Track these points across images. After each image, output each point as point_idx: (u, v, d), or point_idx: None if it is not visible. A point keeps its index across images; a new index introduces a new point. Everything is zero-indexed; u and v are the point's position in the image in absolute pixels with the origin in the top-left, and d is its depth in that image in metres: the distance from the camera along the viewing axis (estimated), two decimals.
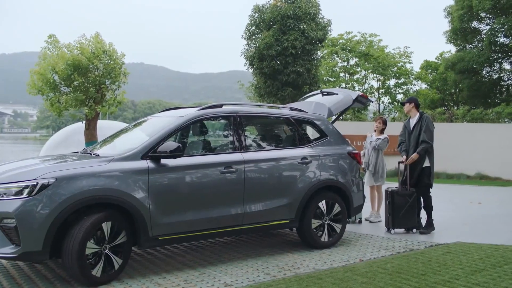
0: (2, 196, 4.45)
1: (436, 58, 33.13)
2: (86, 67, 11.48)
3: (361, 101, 7.59)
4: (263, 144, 6.54)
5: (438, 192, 12.70)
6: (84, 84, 11.63)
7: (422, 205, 7.33)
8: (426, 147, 7.12)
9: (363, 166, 8.25)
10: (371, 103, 8.38)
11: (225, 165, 5.52)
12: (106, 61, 11.87)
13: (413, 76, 30.18)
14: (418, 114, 7.38)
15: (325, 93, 7.56)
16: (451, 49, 37.56)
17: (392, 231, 7.25)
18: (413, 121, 7.41)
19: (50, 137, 20.17)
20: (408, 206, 7.14)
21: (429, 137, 7.12)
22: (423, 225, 7.38)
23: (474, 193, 12.71)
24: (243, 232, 5.93)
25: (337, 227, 6.43)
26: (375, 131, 8.39)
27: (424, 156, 7.19)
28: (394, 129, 18.00)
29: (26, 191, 4.41)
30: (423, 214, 7.41)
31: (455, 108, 30.93)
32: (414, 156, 7.14)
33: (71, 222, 4.55)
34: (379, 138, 8.18)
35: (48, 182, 4.45)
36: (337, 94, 7.46)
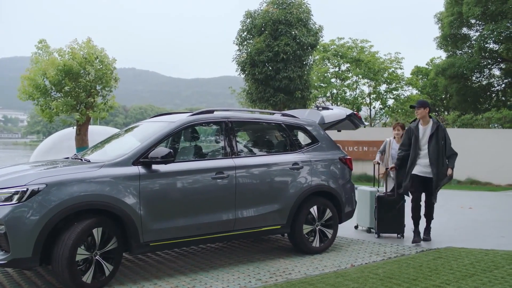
0: None
1: (426, 64, 33.42)
2: (77, 72, 11.44)
3: (354, 121, 7.49)
4: (255, 150, 6.55)
5: None
6: (75, 89, 11.58)
7: (423, 212, 7.15)
8: (455, 158, 6.95)
9: (391, 175, 7.87)
10: (362, 126, 8.22)
11: (216, 170, 5.51)
12: (97, 67, 11.83)
13: (404, 82, 30.35)
14: (431, 122, 6.98)
15: (321, 108, 7.62)
16: (442, 55, 37.86)
17: (376, 236, 7.34)
18: (427, 129, 6.98)
19: (41, 143, 20.04)
20: (395, 211, 7.18)
21: (452, 148, 6.98)
22: (411, 231, 7.23)
23: (465, 198, 12.79)
24: (235, 238, 5.92)
25: (329, 232, 6.43)
26: (394, 138, 8.14)
27: (412, 163, 6.99)
28: (386, 134, 18.07)
29: (16, 197, 4.37)
30: (408, 222, 7.42)
31: (446, 113, 31.15)
32: (450, 171, 6.89)
33: (61, 228, 4.53)
34: None
35: (38, 188, 4.42)
36: (332, 109, 7.56)
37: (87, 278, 4.56)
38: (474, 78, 24.00)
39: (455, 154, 6.92)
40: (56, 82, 11.31)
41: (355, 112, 7.52)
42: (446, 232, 7.81)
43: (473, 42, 22.96)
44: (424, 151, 6.95)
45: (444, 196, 13.14)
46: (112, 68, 12.19)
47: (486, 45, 21.68)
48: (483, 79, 24.36)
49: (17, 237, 4.29)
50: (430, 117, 7.03)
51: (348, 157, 6.93)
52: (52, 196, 4.44)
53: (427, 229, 7.18)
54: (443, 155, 6.89)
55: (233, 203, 5.58)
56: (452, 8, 22.56)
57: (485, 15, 20.93)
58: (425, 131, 6.99)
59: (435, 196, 7.06)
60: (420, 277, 5.08)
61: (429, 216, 7.20)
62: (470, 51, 23.51)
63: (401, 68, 29.71)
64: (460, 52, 24.32)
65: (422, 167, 6.94)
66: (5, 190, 4.44)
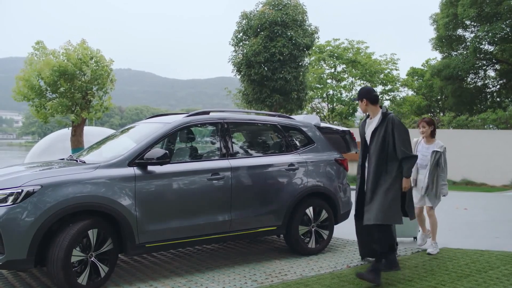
0: None
1: (422, 65, 33.52)
2: (73, 73, 11.41)
3: (347, 140, 7.07)
4: (251, 151, 6.54)
5: None
6: (70, 90, 11.55)
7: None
8: (411, 164, 5.11)
9: (412, 184, 6.03)
10: (354, 152, 7.18)
11: (212, 171, 5.51)
12: (93, 67, 11.80)
13: (399, 83, 30.44)
14: (380, 114, 5.25)
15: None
16: (437, 56, 38.02)
17: (360, 259, 5.96)
18: (373, 123, 5.28)
19: (36, 144, 19.95)
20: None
21: (408, 149, 5.09)
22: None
23: (459, 199, 12.82)
24: (231, 239, 5.92)
25: (324, 233, 6.43)
26: (423, 137, 6.49)
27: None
28: None
29: (10, 198, 4.36)
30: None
31: (441, 114, 31.26)
32: (406, 183, 5.09)
33: (56, 230, 4.51)
34: (437, 151, 6.25)
35: (33, 189, 4.41)
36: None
37: (83, 279, 4.55)
38: (469, 79, 24.09)
39: (411, 158, 5.06)
40: (51, 83, 11.29)
41: (352, 133, 7.11)
42: (441, 232, 7.82)
43: (468, 43, 23.05)
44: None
45: None
46: (109, 70, 12.17)
47: (481, 46, 21.78)
48: (478, 80, 24.46)
49: (11, 238, 4.27)
50: (381, 107, 5.32)
51: (344, 158, 6.93)
52: (47, 198, 4.43)
53: (388, 258, 5.05)
54: (391, 159, 5.10)
55: (229, 204, 5.58)
56: (447, 10, 22.64)
57: (480, 16, 21.03)
58: (369, 126, 5.35)
59: (380, 216, 4.92)
60: (416, 278, 5.09)
61: (379, 244, 5.06)
62: (465, 52, 23.59)
63: (396, 69, 29.83)
64: (455, 53, 24.41)
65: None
66: (0, 192, 4.42)
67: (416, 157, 5.26)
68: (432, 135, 6.42)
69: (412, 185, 5.92)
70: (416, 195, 6.31)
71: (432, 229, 6.47)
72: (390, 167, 5.09)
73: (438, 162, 6.26)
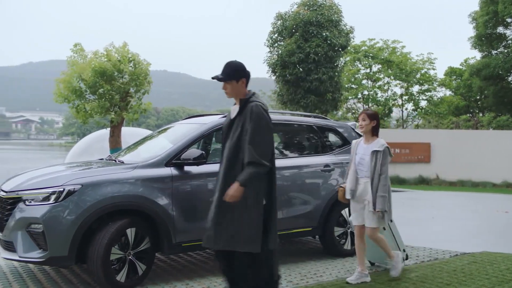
0: (30, 202, 4.56)
1: (460, 65, 32.70)
2: (112, 74, 11.67)
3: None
4: (286, 152, 6.54)
5: (463, 201, 12.52)
6: (110, 91, 11.82)
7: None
8: (256, 173, 3.72)
9: (348, 196, 5.16)
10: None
11: None
12: (131, 69, 12.04)
13: (437, 83, 29.79)
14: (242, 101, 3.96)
15: None
16: (476, 55, 37.04)
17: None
18: (234, 112, 4.03)
19: (75, 144, 20.46)
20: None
21: (260, 153, 3.71)
22: None
23: (500, 201, 12.48)
24: None
25: None
26: (362, 134, 5.21)
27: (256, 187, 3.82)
28: (419, 136, 17.83)
29: (53, 197, 4.50)
30: None
31: (481, 115, 30.48)
32: (234, 191, 3.68)
33: (96, 228, 4.63)
34: (377, 151, 4.95)
35: (74, 188, 4.54)
36: None
37: (121, 277, 4.65)
38: (510, 78, 23.43)
39: (259, 166, 3.71)
40: (91, 84, 11.57)
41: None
42: (481, 236, 7.65)
43: (509, 41, 22.43)
44: None
45: (479, 199, 12.87)
46: (147, 71, 12.40)
47: None
48: None
49: (54, 236, 4.42)
50: (249, 94, 4.05)
51: None
52: (87, 197, 4.55)
53: None
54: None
55: None
56: (487, 7, 22.08)
57: None
58: (230, 115, 4.14)
59: (232, 241, 3.81)
60: (454, 282, 4.99)
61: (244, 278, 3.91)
62: (506, 51, 22.96)
63: (434, 69, 29.18)
64: (495, 52, 23.79)
65: None
66: (42, 190, 4.58)
67: (267, 168, 3.80)
68: (374, 132, 5.09)
69: (349, 197, 5.15)
70: (354, 210, 5.19)
71: (383, 246, 5.16)
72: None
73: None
